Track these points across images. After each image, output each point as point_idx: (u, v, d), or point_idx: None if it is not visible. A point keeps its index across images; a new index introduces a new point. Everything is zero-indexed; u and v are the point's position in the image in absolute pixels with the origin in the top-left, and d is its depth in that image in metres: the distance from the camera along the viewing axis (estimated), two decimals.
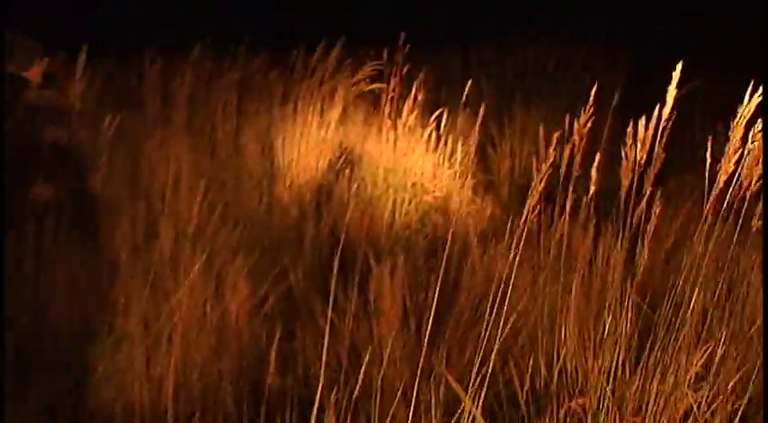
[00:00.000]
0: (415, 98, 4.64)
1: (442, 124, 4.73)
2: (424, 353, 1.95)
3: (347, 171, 4.38)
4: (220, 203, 4.56)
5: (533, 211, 1.81)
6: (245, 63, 6.04)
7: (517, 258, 2.02)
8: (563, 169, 2.12)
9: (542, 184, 1.80)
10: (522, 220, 1.83)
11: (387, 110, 4.74)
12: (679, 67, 1.94)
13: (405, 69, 4.93)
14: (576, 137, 2.11)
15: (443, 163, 4.62)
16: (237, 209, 4.57)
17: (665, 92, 2.56)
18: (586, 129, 2.08)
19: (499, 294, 1.97)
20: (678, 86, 2.72)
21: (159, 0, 10.18)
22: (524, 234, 1.93)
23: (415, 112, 4.66)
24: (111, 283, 3.42)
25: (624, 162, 2.05)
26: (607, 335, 2.14)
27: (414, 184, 4.27)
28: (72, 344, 2.99)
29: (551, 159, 1.80)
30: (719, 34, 6.44)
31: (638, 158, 2.02)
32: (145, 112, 5.58)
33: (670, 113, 2.00)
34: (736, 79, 2.13)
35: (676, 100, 2.14)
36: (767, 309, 2.31)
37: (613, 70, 6.19)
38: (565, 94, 5.81)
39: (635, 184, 2.06)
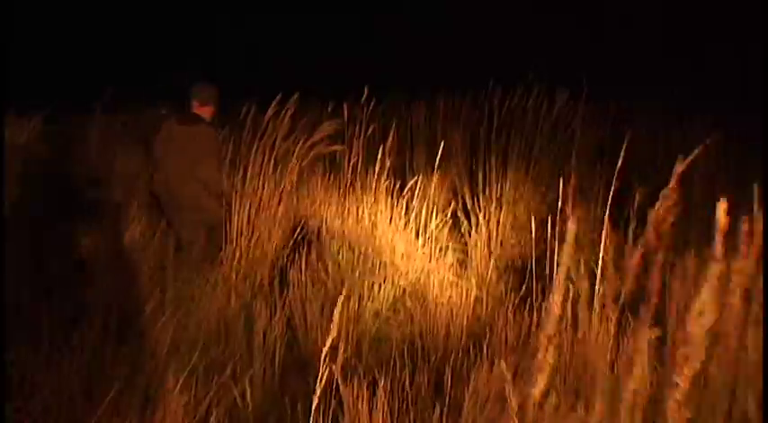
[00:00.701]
0: (382, 164, 4.05)
1: (412, 192, 4.17)
2: None
3: (304, 249, 3.75)
4: (157, 285, 3.92)
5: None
6: None
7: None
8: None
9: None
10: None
11: (349, 177, 4.16)
12: None
13: (368, 129, 4.39)
14: (650, 234, 1.50)
15: (417, 238, 4.03)
16: (177, 291, 3.90)
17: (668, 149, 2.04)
18: (668, 222, 1.48)
19: None
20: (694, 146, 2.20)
21: (96, 57, 9.75)
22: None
23: (383, 182, 4.08)
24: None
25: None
26: None
27: (383, 264, 3.66)
28: None
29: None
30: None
31: None
32: None
33: None
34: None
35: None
36: (766, 313, 1.85)
37: (593, 124, 5.76)
38: (545, 151, 5.34)
39: None
